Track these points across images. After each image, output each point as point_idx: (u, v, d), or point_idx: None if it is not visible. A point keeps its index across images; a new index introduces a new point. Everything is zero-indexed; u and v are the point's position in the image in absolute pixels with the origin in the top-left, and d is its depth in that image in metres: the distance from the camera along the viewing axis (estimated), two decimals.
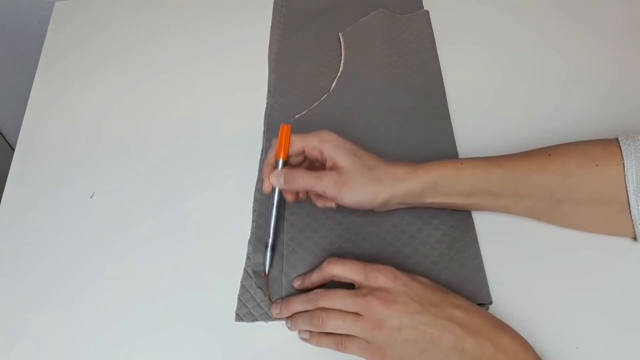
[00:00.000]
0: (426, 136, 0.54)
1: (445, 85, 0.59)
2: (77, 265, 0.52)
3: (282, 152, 0.46)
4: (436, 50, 0.62)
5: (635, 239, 0.45)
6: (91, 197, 0.57)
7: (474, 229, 0.48)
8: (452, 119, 0.56)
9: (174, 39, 0.71)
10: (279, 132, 0.46)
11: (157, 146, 0.60)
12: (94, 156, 0.60)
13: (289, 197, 0.48)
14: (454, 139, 0.54)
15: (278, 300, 0.46)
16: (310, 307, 0.43)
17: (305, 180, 0.44)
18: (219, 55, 0.68)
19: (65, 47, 0.73)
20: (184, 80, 0.66)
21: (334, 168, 0.45)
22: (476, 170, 0.44)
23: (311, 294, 0.43)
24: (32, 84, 0.69)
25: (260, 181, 0.54)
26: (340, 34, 0.65)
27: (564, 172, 0.43)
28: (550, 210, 0.45)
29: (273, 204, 0.47)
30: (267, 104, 0.61)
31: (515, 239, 0.48)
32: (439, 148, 0.53)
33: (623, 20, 0.64)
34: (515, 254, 0.47)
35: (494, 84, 0.59)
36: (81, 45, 0.73)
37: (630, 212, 0.42)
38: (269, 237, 0.48)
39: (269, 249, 0.48)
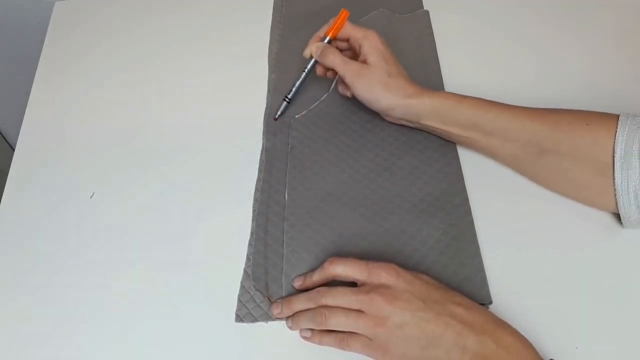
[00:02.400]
0: (425, 135, 0.54)
1: (445, 85, 0.59)
2: (77, 265, 0.52)
3: (331, 31, 0.53)
4: (436, 51, 0.62)
5: (619, 220, 0.46)
6: (91, 197, 0.57)
7: (474, 227, 0.48)
8: None
9: (174, 39, 0.71)
10: (338, 15, 0.52)
11: (157, 146, 0.60)
12: (94, 156, 0.60)
13: (319, 70, 0.55)
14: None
15: (278, 300, 0.46)
16: (312, 306, 0.43)
17: (334, 59, 0.51)
18: (219, 55, 0.68)
19: (65, 47, 0.73)
20: (184, 80, 0.66)
21: (362, 58, 0.51)
22: (475, 105, 0.48)
23: (313, 292, 0.43)
24: (32, 84, 0.69)
25: (259, 181, 0.55)
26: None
27: (555, 123, 0.45)
28: (533, 159, 0.47)
29: (305, 69, 0.55)
30: (267, 103, 0.61)
31: (515, 237, 0.48)
32: (439, 149, 0.53)
33: (623, 22, 0.64)
34: (515, 253, 0.47)
35: (494, 84, 0.59)
36: (81, 45, 0.73)
37: (613, 179, 0.43)
38: (290, 92, 0.57)
39: (286, 100, 0.57)
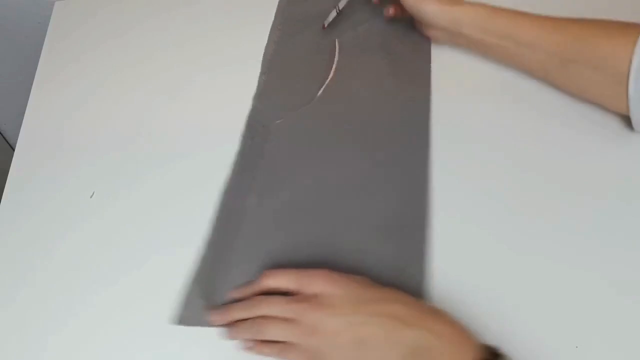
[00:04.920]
0: (401, 152, 0.53)
1: (433, 93, 0.57)
2: (77, 265, 0.52)
3: None
4: (430, 64, 0.60)
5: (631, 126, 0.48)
6: (91, 197, 0.57)
7: (423, 257, 0.47)
8: (435, 132, 0.54)
9: (174, 39, 0.71)
10: None
11: (157, 145, 0.60)
12: (94, 156, 0.60)
13: None
14: (428, 157, 0.52)
15: (217, 307, 0.45)
16: (248, 315, 0.43)
17: None
18: (220, 54, 0.68)
19: (65, 47, 0.73)
20: (184, 80, 0.66)
21: None
22: (509, 16, 0.52)
23: (250, 301, 0.43)
24: (32, 84, 0.69)
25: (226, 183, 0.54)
26: (337, 40, 0.64)
27: (579, 35, 0.49)
28: (558, 68, 0.51)
29: None
30: (252, 105, 0.60)
31: (515, 235, 0.48)
32: (410, 168, 0.52)
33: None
34: (515, 251, 0.47)
35: (492, 76, 0.59)
36: (81, 46, 0.73)
37: (627, 87, 0.46)
38: (341, 5, 0.60)
39: (336, 11, 0.60)
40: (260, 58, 0.66)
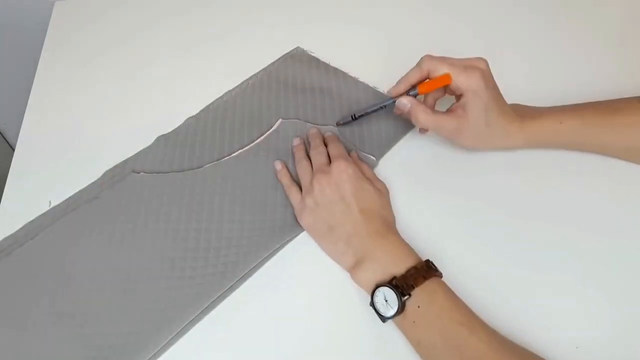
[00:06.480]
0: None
1: None
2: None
3: (425, 90, 0.50)
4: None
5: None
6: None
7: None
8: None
9: (175, 39, 0.71)
10: (440, 75, 0.48)
11: None
12: (94, 156, 0.60)
13: (397, 110, 0.53)
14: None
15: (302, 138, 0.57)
16: (309, 150, 0.54)
17: (427, 120, 0.50)
18: (220, 56, 0.68)
19: (65, 47, 0.73)
20: (185, 80, 0.67)
21: (459, 111, 0.49)
22: (572, 130, 0.49)
23: (317, 146, 0.54)
24: (32, 84, 0.69)
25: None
26: (281, 119, 0.60)
27: None
28: (637, 158, 0.51)
29: (380, 105, 0.54)
30: (154, 141, 0.60)
31: (519, 238, 0.48)
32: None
33: (625, 20, 0.64)
34: (516, 253, 0.47)
35: None
36: (81, 45, 0.73)
37: None
38: (359, 112, 0.56)
39: (352, 117, 0.57)
40: (258, 55, 0.66)
